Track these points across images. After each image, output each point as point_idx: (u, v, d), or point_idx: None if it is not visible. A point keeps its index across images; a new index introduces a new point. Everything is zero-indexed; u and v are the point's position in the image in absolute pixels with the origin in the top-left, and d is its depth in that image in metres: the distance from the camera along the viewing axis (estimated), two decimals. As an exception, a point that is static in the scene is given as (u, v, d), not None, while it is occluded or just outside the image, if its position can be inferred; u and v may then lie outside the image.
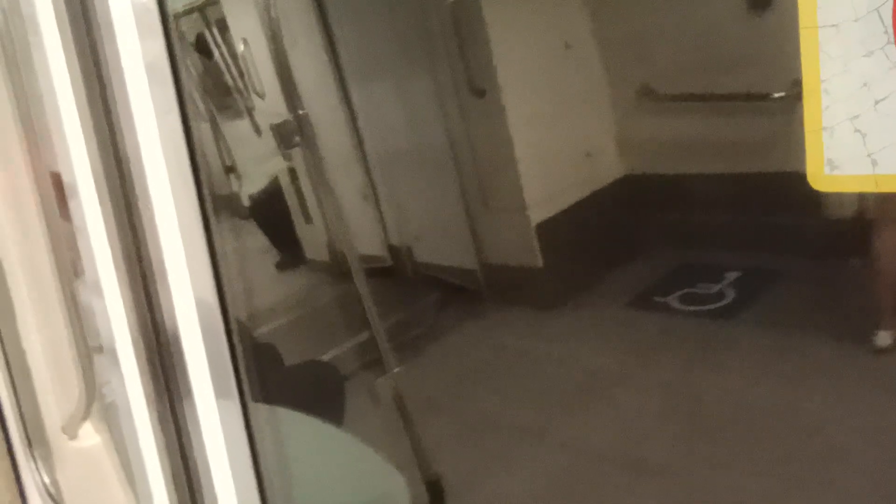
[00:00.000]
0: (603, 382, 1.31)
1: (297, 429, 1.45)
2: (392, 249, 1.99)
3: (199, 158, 0.89)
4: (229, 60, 1.92)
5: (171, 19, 0.87)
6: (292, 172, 1.99)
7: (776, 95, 1.18)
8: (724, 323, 1.27)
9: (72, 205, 1.01)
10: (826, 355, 1.25)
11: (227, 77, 1.94)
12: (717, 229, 1.31)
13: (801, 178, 0.55)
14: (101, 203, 0.96)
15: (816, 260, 1.26)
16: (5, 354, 1.58)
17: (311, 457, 1.43)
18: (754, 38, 1.16)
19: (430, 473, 1.58)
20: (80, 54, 0.91)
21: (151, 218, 0.92)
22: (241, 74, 1.88)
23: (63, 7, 0.91)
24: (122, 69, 0.88)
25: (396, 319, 1.79)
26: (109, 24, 0.88)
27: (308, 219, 2.00)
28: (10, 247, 1.51)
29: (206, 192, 0.90)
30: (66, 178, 1.00)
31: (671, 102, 1.34)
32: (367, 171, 1.90)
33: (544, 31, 1.44)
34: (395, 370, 1.64)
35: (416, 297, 1.94)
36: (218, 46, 1.93)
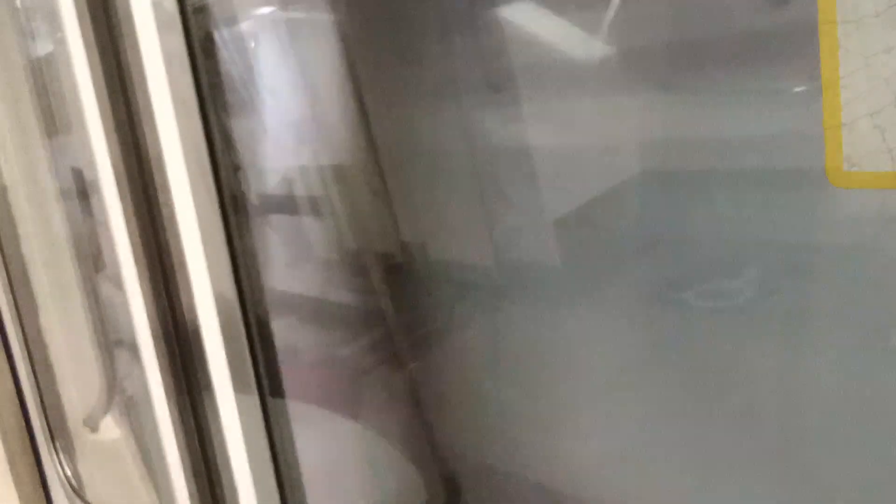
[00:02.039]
0: (620, 379, 1.31)
1: (315, 423, 1.46)
2: (405, 246, 1.99)
3: (218, 154, 0.90)
4: (238, 58, 1.92)
5: (190, 14, 0.87)
6: (302, 170, 2.00)
7: (795, 91, 1.17)
8: (742, 319, 1.26)
9: (93, 200, 1.02)
10: (844, 355, 1.24)
11: (236, 74, 1.95)
12: (735, 225, 1.30)
13: (819, 174, 0.55)
14: (122, 198, 0.97)
15: (835, 257, 1.25)
16: (28, 348, 1.60)
17: (329, 451, 1.44)
18: (772, 32, 1.15)
19: (446, 469, 1.58)
20: (101, 50, 0.92)
21: (172, 213, 0.92)
22: (252, 71, 1.88)
23: (84, 3, 0.92)
24: (143, 64, 0.89)
25: (411, 315, 1.79)
26: (130, 19, 0.88)
27: (320, 216, 2.01)
28: (32, 242, 1.53)
29: (225, 187, 0.90)
30: (87, 174, 1.01)
31: (688, 96, 1.33)
32: (380, 167, 1.90)
33: (560, 24, 1.44)
34: (411, 366, 1.65)
35: (431, 293, 1.94)
36: (227, 44, 1.93)
